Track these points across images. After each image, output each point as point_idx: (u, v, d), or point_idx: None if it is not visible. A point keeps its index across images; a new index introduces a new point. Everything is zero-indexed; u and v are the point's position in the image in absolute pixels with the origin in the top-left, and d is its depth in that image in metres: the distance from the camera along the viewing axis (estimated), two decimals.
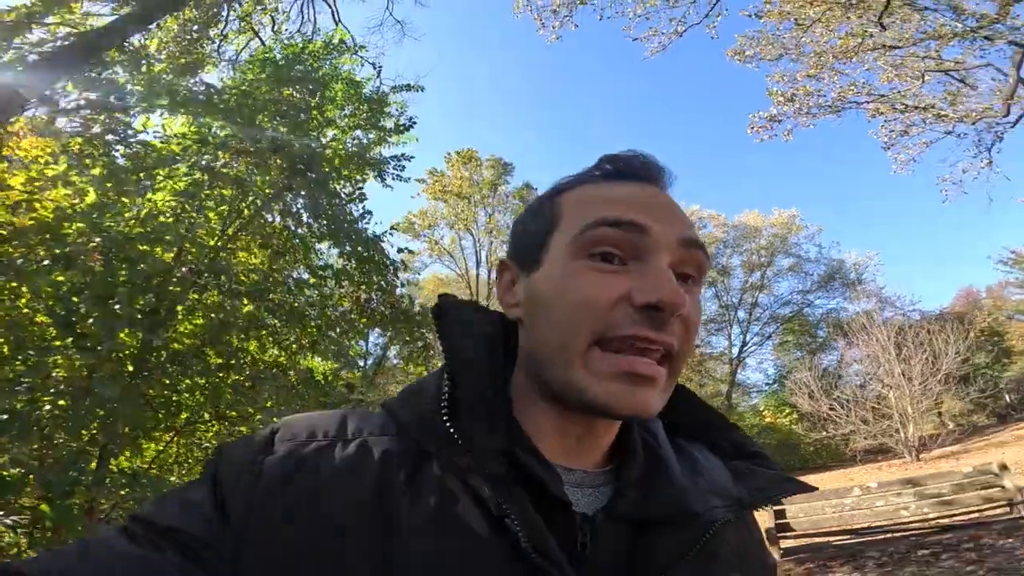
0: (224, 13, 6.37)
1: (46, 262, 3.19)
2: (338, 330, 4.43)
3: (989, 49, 10.52)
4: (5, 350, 2.71)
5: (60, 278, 3.03)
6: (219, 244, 3.83)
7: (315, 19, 7.86)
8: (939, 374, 14.54)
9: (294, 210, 4.35)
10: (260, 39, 6.80)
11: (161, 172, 3.90)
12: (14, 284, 2.96)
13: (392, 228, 5.77)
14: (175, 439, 3.66)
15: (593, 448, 0.53)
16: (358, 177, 5.73)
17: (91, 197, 4.02)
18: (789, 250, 26.36)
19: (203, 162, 3.83)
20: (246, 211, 3.98)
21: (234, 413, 3.57)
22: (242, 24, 6.61)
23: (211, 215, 3.89)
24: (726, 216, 26.87)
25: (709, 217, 26.13)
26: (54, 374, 2.83)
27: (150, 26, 5.60)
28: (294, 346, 4.11)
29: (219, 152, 3.97)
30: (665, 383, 0.48)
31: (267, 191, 3.91)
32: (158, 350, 3.12)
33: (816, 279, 26.29)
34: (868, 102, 13.17)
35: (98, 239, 3.00)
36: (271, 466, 0.44)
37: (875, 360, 15.97)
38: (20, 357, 2.68)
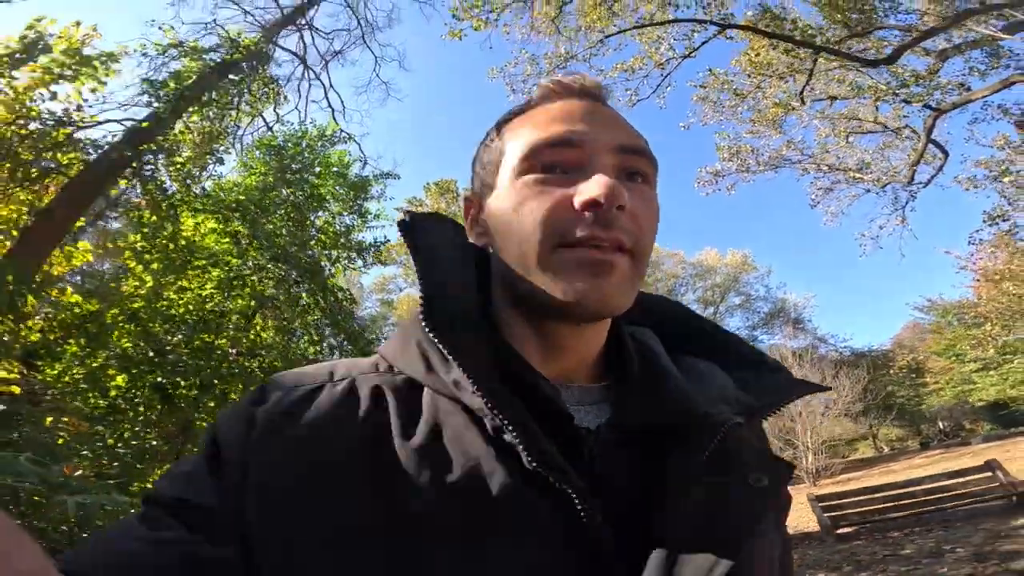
0: (236, 101, 8.07)
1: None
2: None
3: (909, 112, 12.29)
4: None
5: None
6: (247, 327, 5.59)
7: (308, 96, 9.53)
8: (839, 406, 16.82)
9: (301, 303, 6.13)
10: (264, 120, 8.48)
11: (208, 266, 5.64)
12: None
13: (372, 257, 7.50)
14: None
15: (583, 362, 0.54)
16: (344, 256, 7.49)
17: (150, 282, 5.74)
18: (740, 288, 29.93)
19: (230, 263, 5.57)
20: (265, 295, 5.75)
21: None
22: (250, 108, 8.32)
23: (240, 302, 5.65)
24: (684, 253, 29.75)
25: (668, 255, 28.62)
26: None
27: (180, 120, 7.17)
28: None
29: (244, 256, 5.71)
30: (629, 274, 0.49)
31: (283, 299, 5.69)
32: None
33: (762, 316, 29.54)
34: (799, 161, 14.78)
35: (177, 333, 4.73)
36: (263, 414, 0.46)
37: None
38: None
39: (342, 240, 7.56)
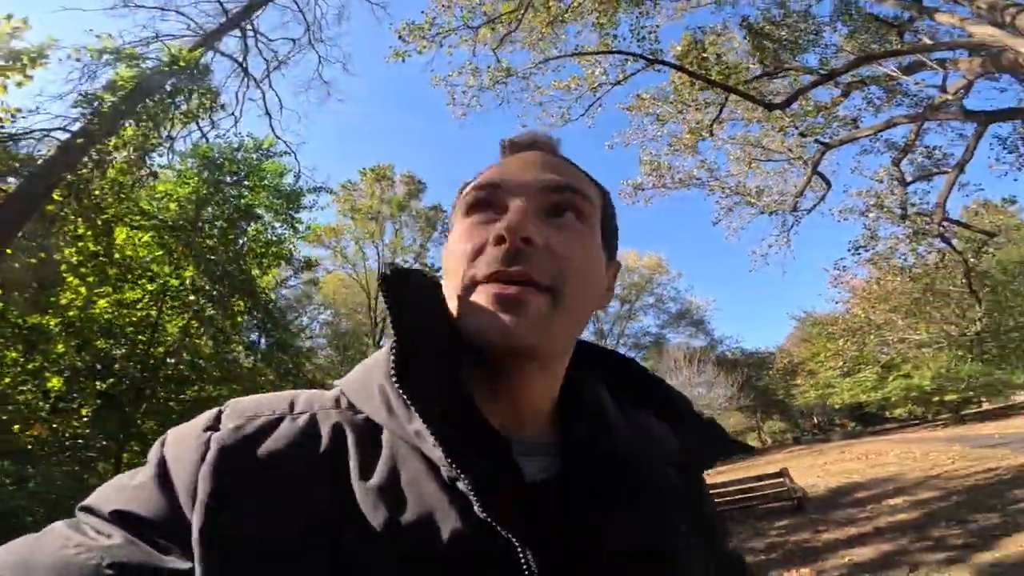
0: (171, 112, 8.38)
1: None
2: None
3: (805, 143, 13.65)
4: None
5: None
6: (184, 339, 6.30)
7: (244, 103, 9.88)
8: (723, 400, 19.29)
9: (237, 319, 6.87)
10: (199, 127, 8.82)
11: (144, 281, 6.27)
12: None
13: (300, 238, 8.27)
14: None
15: (535, 410, 0.55)
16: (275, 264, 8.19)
17: (84, 294, 6.28)
18: (653, 289, 32.81)
19: (166, 280, 6.25)
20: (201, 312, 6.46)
21: None
22: (185, 117, 8.63)
23: (175, 317, 6.34)
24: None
25: None
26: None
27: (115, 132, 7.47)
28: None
29: (179, 270, 6.39)
30: (546, 313, 0.49)
31: (220, 317, 6.42)
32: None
33: (671, 316, 33.08)
34: (706, 182, 16.21)
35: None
36: (217, 441, 0.45)
37: (685, 388, 20.42)
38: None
39: (273, 249, 8.21)
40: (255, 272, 7.92)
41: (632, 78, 11.85)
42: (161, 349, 6.28)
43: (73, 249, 6.41)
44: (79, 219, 6.42)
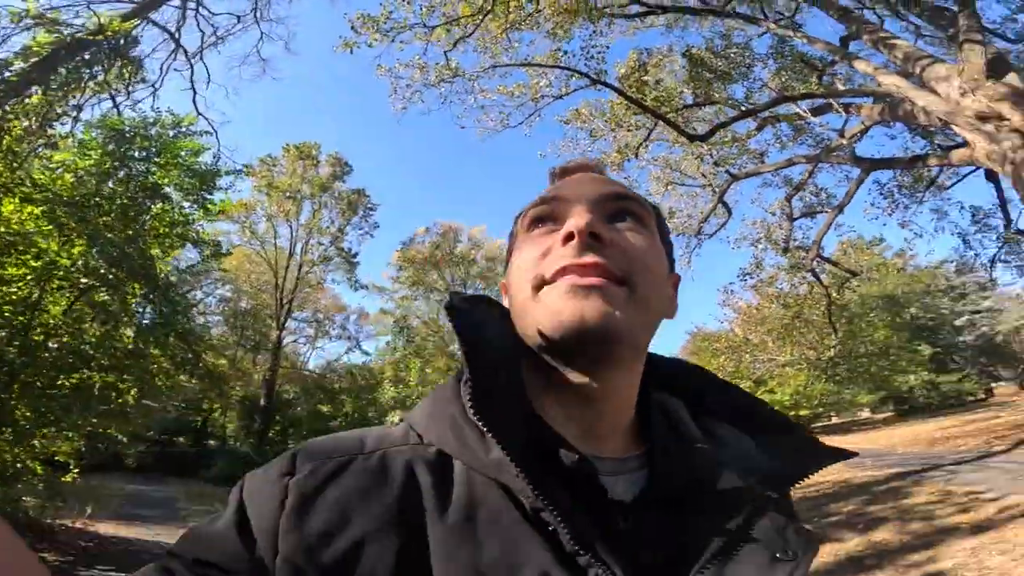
0: (84, 80, 7.74)
1: None
2: (158, 382, 6.84)
3: (717, 172, 14.86)
4: None
5: None
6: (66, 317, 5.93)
7: (166, 76, 9.26)
8: None
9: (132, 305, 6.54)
10: (112, 97, 8.17)
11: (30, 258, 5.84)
12: None
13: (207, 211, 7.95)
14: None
15: (609, 428, 0.55)
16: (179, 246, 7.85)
17: None
18: None
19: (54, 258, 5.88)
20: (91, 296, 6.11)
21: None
22: (98, 87, 7.99)
23: (61, 298, 5.95)
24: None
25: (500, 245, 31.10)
26: None
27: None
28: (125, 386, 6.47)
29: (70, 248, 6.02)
30: (624, 302, 0.50)
31: (114, 299, 6.09)
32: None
33: None
34: None
35: None
36: (295, 487, 0.46)
37: None
38: None
39: (178, 230, 7.85)
40: (155, 252, 7.54)
41: (574, 93, 12.35)
42: (41, 332, 5.88)
43: None
44: None
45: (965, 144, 7.60)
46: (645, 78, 13.08)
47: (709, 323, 28.03)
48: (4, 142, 6.39)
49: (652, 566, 0.46)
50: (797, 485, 0.56)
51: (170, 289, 7.36)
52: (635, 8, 12.29)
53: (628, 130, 13.85)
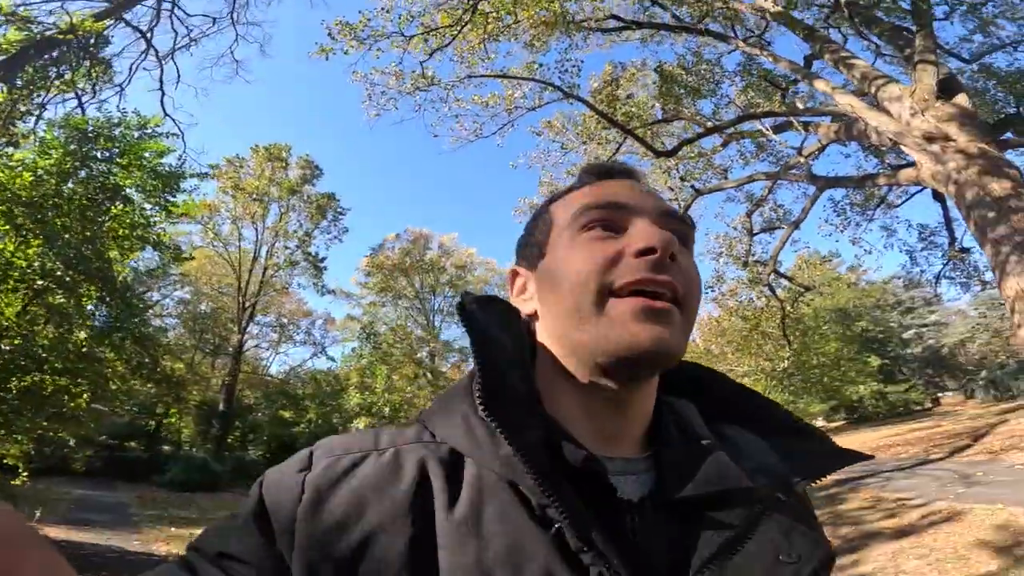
0: (51, 79, 7.59)
1: None
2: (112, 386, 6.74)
3: (683, 187, 15.34)
4: None
5: None
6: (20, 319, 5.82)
7: (134, 75, 9.13)
8: None
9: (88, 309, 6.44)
10: (77, 96, 8.01)
11: None
12: None
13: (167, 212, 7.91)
14: None
15: (627, 432, 0.56)
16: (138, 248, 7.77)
17: None
18: None
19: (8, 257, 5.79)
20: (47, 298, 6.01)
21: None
22: (65, 86, 7.83)
23: (14, 299, 5.84)
24: (496, 262, 32.92)
25: (483, 262, 31.65)
26: None
27: None
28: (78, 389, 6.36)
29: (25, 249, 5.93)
30: (681, 325, 0.52)
31: (70, 301, 6.01)
32: None
33: None
34: None
35: None
36: (311, 482, 0.48)
37: None
38: None
39: (139, 232, 7.76)
40: (114, 255, 7.43)
41: (547, 105, 12.46)
42: None
43: None
44: None
45: (913, 164, 7.73)
46: (617, 92, 13.38)
47: None
48: None
49: (657, 565, 0.47)
50: (812, 486, 0.57)
51: (127, 291, 7.25)
52: (612, 23, 12.57)
53: (598, 143, 14.10)
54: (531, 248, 0.63)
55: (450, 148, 14.30)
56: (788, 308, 16.77)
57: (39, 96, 7.39)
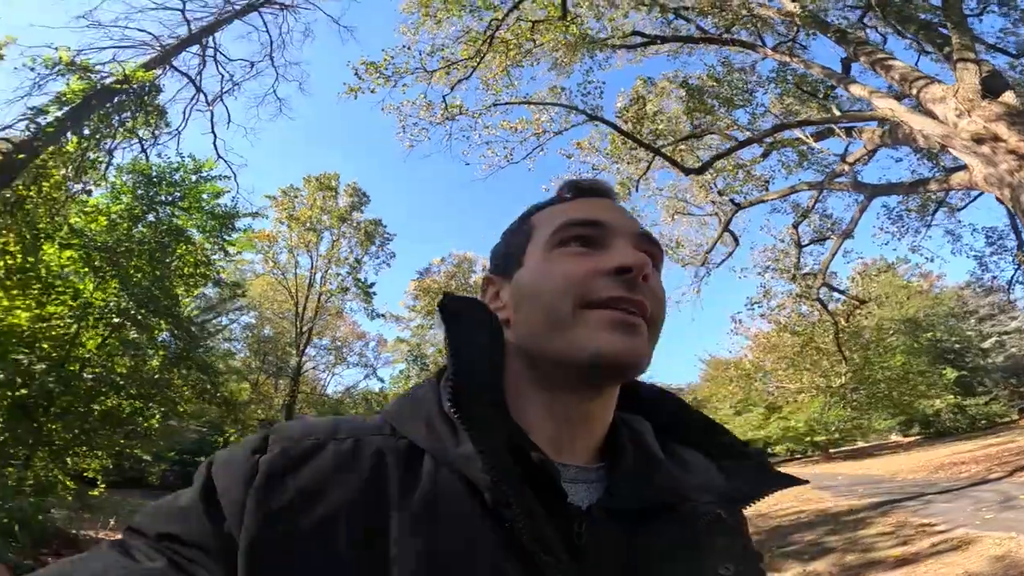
0: (115, 127, 8.65)
1: None
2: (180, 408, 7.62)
3: (722, 201, 14.95)
4: None
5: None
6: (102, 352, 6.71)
7: (189, 118, 10.19)
8: None
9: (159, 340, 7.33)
10: (140, 140, 9.06)
11: (68, 298, 6.65)
12: None
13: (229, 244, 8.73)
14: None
15: (584, 442, 0.58)
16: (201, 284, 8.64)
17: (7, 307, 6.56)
18: None
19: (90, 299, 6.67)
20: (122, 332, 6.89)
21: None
22: (127, 133, 8.89)
23: (95, 333, 6.74)
24: None
25: None
26: None
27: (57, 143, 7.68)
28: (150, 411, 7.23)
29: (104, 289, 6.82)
30: (647, 341, 0.55)
31: (142, 336, 6.88)
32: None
33: None
34: None
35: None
36: (265, 463, 0.47)
37: None
38: None
39: (201, 270, 8.64)
40: (180, 291, 8.33)
41: (573, 128, 12.37)
42: (78, 365, 6.66)
43: (0, 262, 6.68)
44: (10, 234, 6.71)
45: (965, 167, 7.41)
46: (644, 109, 13.23)
47: (719, 351, 28.34)
48: (43, 189, 7.26)
49: (603, 572, 0.48)
50: (751, 507, 0.61)
51: (191, 325, 8.13)
52: (635, 39, 12.53)
53: (628, 162, 14.15)
54: (508, 258, 0.65)
55: (482, 175, 14.58)
56: (842, 322, 16.10)
57: (106, 143, 8.31)
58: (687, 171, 11.81)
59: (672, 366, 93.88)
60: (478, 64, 11.03)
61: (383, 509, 0.46)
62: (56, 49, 7.64)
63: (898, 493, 8.68)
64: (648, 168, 14.00)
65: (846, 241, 14.10)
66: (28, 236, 6.74)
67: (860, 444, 31.02)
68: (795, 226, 14.76)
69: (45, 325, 6.60)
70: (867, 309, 16.79)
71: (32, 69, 7.55)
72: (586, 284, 0.55)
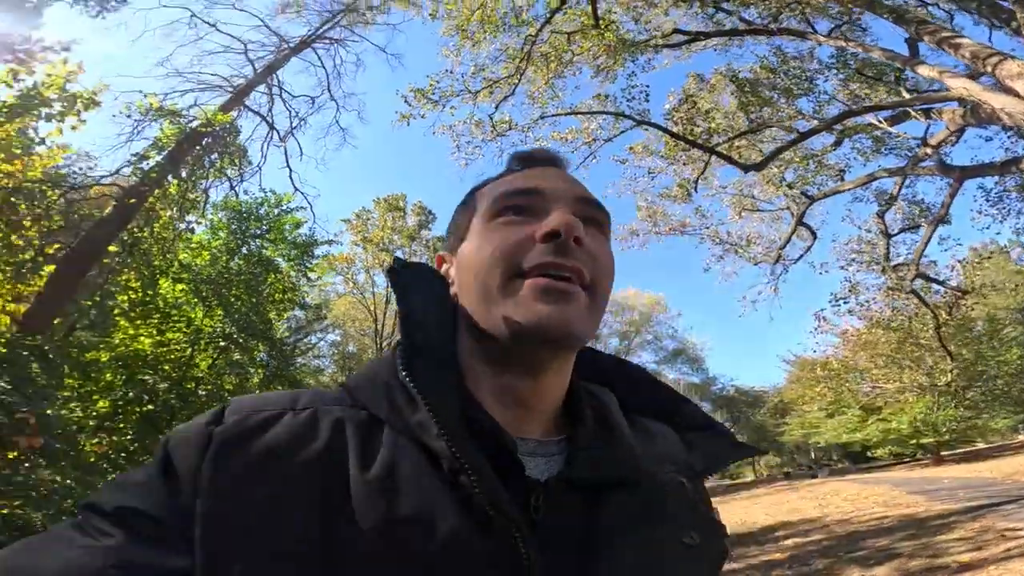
0: (206, 168, 9.92)
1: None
2: None
3: (793, 195, 14.30)
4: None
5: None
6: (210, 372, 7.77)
7: (267, 154, 11.42)
8: None
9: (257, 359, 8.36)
10: (228, 179, 10.31)
11: (183, 326, 7.75)
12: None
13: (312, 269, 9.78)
14: None
15: (538, 414, 0.58)
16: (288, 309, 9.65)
17: (132, 333, 7.72)
18: (651, 327, 34.70)
19: (201, 326, 7.72)
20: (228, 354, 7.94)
21: None
22: (217, 173, 10.16)
23: (207, 356, 7.82)
24: None
25: None
26: None
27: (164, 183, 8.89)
28: None
29: (211, 317, 7.87)
30: (587, 307, 0.54)
31: (244, 356, 7.89)
32: None
33: (668, 353, 34.84)
34: (697, 232, 16.07)
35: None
36: (219, 434, 0.47)
37: None
38: None
39: (289, 296, 9.68)
40: (273, 316, 9.38)
41: (622, 135, 12.44)
42: (193, 383, 7.74)
43: (124, 296, 7.92)
44: (131, 272, 7.95)
45: None
46: (695, 109, 12.73)
47: (803, 350, 27.00)
48: (155, 230, 8.48)
49: (561, 542, 0.48)
50: (711, 476, 0.62)
51: (283, 345, 9.15)
52: (677, 37, 12.35)
53: (684, 163, 13.87)
54: (454, 234, 0.65)
55: None
56: (944, 315, 14.83)
57: (202, 183, 9.45)
58: (746, 168, 11.57)
59: (754, 367, 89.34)
60: (519, 80, 11.39)
61: (341, 477, 0.46)
62: (146, 96, 8.81)
63: (1001, 497, 8.02)
64: (705, 168, 13.52)
65: (941, 227, 13.18)
66: (146, 273, 7.96)
67: (980, 445, 28.14)
68: (880, 215, 13.69)
69: (165, 350, 7.74)
70: (974, 299, 15.29)
71: (129, 116, 8.73)
72: (517, 253, 0.54)
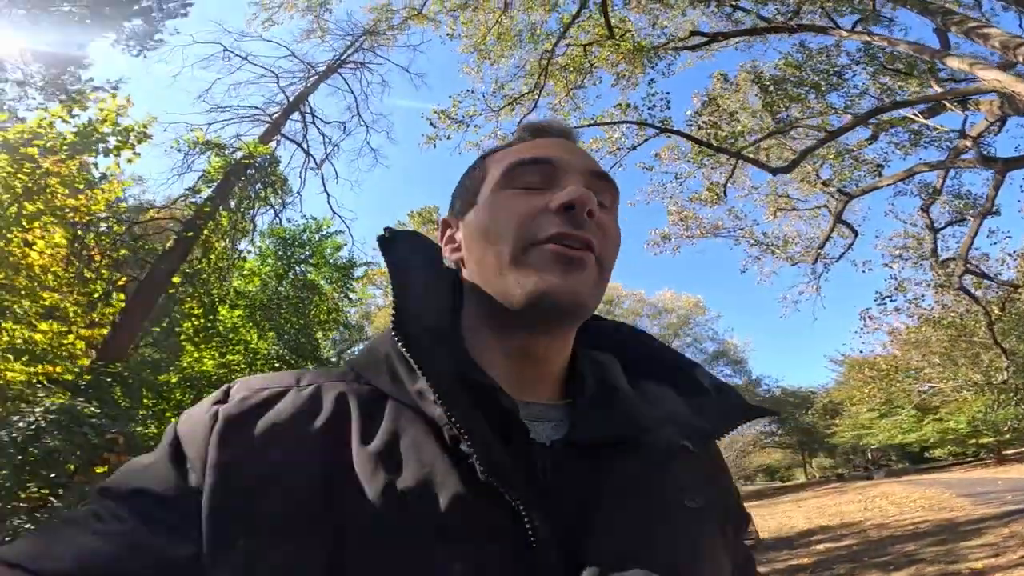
0: (252, 198, 10.71)
1: None
2: None
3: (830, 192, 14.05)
4: None
5: None
6: None
7: (305, 180, 12.17)
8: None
9: None
10: (272, 206, 11.05)
11: (239, 349, 8.52)
12: None
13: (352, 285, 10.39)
14: None
15: (543, 379, 0.58)
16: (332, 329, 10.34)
17: (196, 356, 8.50)
18: (690, 329, 33.98)
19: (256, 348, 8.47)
20: None
21: None
22: (262, 202, 10.95)
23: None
24: (644, 292, 33.85)
25: (629, 295, 32.62)
26: None
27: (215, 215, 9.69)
28: None
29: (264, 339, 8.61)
30: (596, 277, 0.55)
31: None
32: None
33: (708, 355, 33.82)
34: (732, 233, 15.83)
35: None
36: (225, 411, 0.48)
37: None
38: None
39: (332, 316, 10.38)
40: (319, 336, 10.10)
41: (646, 143, 12.44)
42: None
43: (189, 323, 8.77)
44: (193, 301, 8.79)
45: None
46: (719, 111, 12.67)
47: (849, 350, 26.11)
48: (211, 260, 9.28)
49: (565, 505, 0.48)
50: (723, 440, 0.64)
51: (328, 363, 9.85)
52: (695, 39, 12.24)
53: (712, 168, 13.80)
54: (462, 199, 0.65)
55: None
56: (996, 311, 14.31)
57: (249, 213, 10.14)
58: (774, 171, 11.45)
59: (800, 368, 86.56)
60: (539, 95, 11.61)
61: (344, 450, 0.47)
62: (192, 129, 9.61)
63: None
64: (734, 171, 13.56)
65: (990, 219, 12.77)
66: (206, 301, 8.78)
67: None
68: (924, 209, 13.37)
69: (226, 370, 8.54)
70: (1019, 296, 14.65)
71: (179, 150, 9.50)
72: (531, 222, 0.55)
